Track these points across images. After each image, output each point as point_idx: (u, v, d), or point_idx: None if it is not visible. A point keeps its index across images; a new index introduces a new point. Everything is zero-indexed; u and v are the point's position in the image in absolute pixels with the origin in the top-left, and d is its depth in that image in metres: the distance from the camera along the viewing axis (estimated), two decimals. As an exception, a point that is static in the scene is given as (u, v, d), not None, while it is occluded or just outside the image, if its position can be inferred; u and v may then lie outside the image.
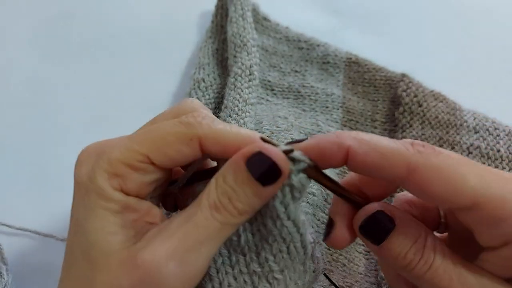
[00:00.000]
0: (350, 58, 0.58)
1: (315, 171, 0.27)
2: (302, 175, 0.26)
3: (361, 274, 0.43)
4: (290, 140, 0.29)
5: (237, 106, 0.46)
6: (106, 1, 0.63)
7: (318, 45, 0.59)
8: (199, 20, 0.64)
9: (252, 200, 0.26)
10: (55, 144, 0.50)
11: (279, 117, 0.49)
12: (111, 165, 0.26)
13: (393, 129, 0.53)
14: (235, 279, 0.28)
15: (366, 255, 0.45)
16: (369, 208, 0.28)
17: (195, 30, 0.62)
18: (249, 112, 0.45)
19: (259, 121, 0.47)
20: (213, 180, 0.26)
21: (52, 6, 0.61)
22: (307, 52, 0.58)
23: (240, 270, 0.28)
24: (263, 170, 0.25)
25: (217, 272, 0.28)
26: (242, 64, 0.50)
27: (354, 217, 0.28)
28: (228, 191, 0.25)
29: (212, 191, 0.26)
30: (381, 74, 0.56)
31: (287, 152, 0.26)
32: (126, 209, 0.26)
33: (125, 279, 0.24)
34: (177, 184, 0.29)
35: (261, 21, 0.60)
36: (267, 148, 0.25)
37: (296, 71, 0.57)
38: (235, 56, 0.52)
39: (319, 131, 0.50)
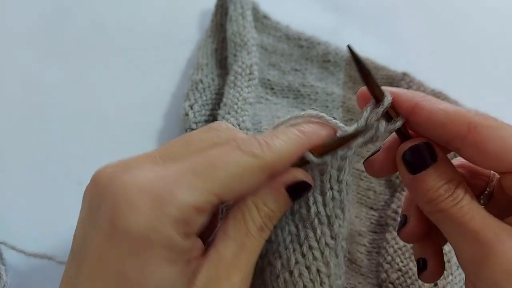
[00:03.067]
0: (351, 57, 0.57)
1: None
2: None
3: (363, 275, 0.42)
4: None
5: (236, 104, 0.46)
6: (105, 0, 0.63)
7: (318, 44, 0.58)
8: (199, 19, 0.63)
9: (282, 215, 0.28)
10: (52, 144, 0.50)
11: (278, 117, 0.49)
12: (180, 212, 0.24)
13: (393, 128, 0.53)
14: (303, 255, 0.28)
15: (367, 255, 0.45)
16: (416, 140, 0.29)
17: (195, 29, 0.62)
18: (247, 111, 0.45)
19: (257, 121, 0.47)
20: (251, 205, 0.27)
21: (50, 5, 0.61)
22: (308, 51, 0.58)
23: (310, 246, 0.28)
24: (301, 193, 0.28)
25: (286, 249, 0.28)
26: (243, 63, 0.50)
27: (400, 146, 0.30)
28: (270, 214, 0.27)
29: (256, 216, 0.27)
30: (382, 73, 0.56)
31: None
32: (186, 256, 0.25)
33: None
34: None
35: (261, 19, 0.60)
36: (308, 177, 0.28)
37: (296, 70, 0.57)
38: (235, 55, 0.51)
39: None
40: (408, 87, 0.53)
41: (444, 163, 0.29)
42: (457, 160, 0.32)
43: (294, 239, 0.28)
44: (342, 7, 0.67)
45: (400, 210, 0.44)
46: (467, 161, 0.30)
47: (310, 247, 0.28)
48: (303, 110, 0.53)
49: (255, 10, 0.59)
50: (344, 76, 0.57)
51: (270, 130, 0.30)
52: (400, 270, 0.41)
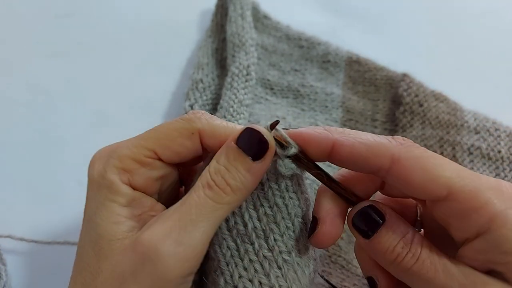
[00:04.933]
0: (351, 57, 0.57)
1: (302, 157, 0.29)
2: (287, 161, 0.29)
3: (358, 276, 0.43)
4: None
5: (232, 107, 0.46)
6: (105, 0, 0.63)
7: (318, 44, 0.58)
8: (199, 19, 0.63)
9: (245, 176, 0.27)
10: (54, 144, 0.50)
11: (277, 117, 0.49)
12: (121, 161, 0.29)
13: (393, 128, 0.53)
14: (245, 269, 0.28)
15: (365, 256, 0.45)
16: (361, 204, 0.29)
17: (195, 29, 0.62)
18: (243, 114, 0.45)
19: (257, 121, 0.47)
20: (203, 167, 0.29)
21: (52, 6, 0.61)
22: (308, 51, 0.58)
23: (250, 259, 0.29)
24: (252, 144, 0.27)
25: (227, 265, 0.29)
26: (240, 64, 0.50)
27: (348, 213, 0.30)
28: (221, 169, 0.27)
29: (205, 172, 0.28)
30: (382, 73, 0.56)
31: (272, 127, 0.28)
32: (132, 202, 0.29)
33: (126, 264, 0.26)
34: None
35: (261, 20, 0.60)
36: (254, 125, 0.28)
37: (296, 70, 0.57)
38: (233, 56, 0.52)
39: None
40: (408, 88, 0.53)
41: (393, 219, 0.28)
42: (382, 195, 0.32)
43: (234, 253, 0.29)
44: (343, 7, 0.67)
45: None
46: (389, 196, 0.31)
47: (251, 261, 0.28)
48: (303, 110, 0.53)
49: (256, 10, 0.59)
50: (344, 77, 0.57)
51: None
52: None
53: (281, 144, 0.28)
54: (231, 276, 0.28)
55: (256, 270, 0.28)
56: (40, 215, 0.45)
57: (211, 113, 0.50)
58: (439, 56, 0.63)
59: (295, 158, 0.29)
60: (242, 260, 0.29)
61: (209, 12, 0.60)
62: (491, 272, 0.26)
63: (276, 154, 0.28)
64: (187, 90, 0.51)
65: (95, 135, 0.51)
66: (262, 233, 0.29)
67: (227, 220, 0.29)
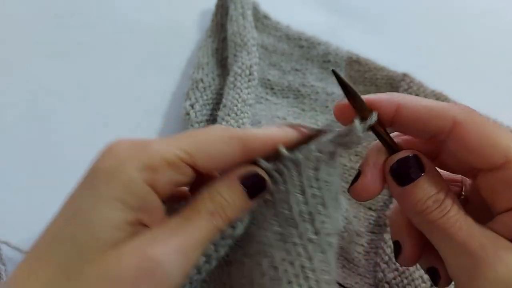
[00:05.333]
0: (351, 57, 0.57)
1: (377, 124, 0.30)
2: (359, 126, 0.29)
3: (360, 275, 0.43)
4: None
5: (236, 106, 0.46)
6: (105, 0, 0.63)
7: (319, 44, 0.58)
8: (199, 19, 0.63)
9: (239, 211, 0.29)
10: (53, 144, 0.50)
11: (278, 117, 0.49)
12: (150, 157, 0.26)
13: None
14: (288, 253, 0.28)
15: (365, 255, 0.45)
16: (403, 152, 0.30)
17: (195, 29, 0.62)
18: (247, 113, 0.45)
19: (257, 121, 0.47)
20: (205, 193, 0.28)
21: (52, 6, 0.61)
22: (308, 51, 0.58)
23: (293, 243, 0.29)
24: (255, 188, 0.29)
25: (271, 248, 0.29)
26: (242, 63, 0.50)
27: (388, 159, 0.30)
28: (223, 203, 0.28)
29: (208, 202, 0.28)
30: (382, 73, 0.56)
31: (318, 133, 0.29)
32: (143, 208, 0.26)
33: (125, 273, 0.24)
34: None
35: (261, 19, 0.60)
36: (262, 172, 0.29)
37: (296, 70, 0.57)
38: (235, 55, 0.52)
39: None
40: (408, 88, 0.53)
41: (432, 174, 0.29)
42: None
43: (278, 237, 0.29)
44: (343, 7, 0.67)
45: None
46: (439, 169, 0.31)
47: (294, 244, 0.28)
48: (303, 110, 0.53)
49: (256, 10, 0.59)
50: (344, 77, 0.57)
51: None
52: (397, 270, 0.41)
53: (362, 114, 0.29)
54: (273, 258, 0.28)
55: (299, 254, 0.28)
56: (39, 215, 0.45)
57: (211, 113, 0.50)
58: (439, 56, 0.63)
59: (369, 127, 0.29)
60: (285, 243, 0.29)
61: (209, 12, 0.60)
62: None
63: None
64: (187, 90, 0.51)
65: (95, 135, 0.51)
66: (308, 216, 0.29)
67: (274, 206, 0.30)
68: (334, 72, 0.30)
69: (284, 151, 0.29)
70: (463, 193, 0.33)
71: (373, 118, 0.29)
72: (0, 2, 0.60)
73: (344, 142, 0.29)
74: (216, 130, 0.29)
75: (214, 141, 0.28)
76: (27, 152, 0.49)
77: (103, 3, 0.62)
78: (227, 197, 0.28)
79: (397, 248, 0.32)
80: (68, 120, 0.52)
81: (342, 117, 0.30)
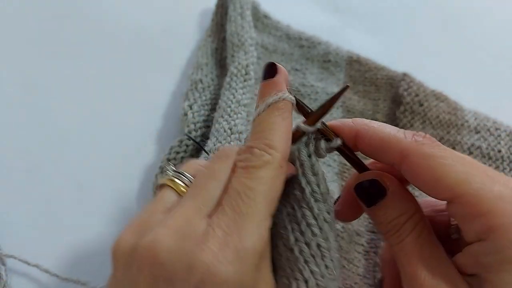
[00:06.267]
0: (351, 57, 0.57)
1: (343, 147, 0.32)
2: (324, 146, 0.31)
3: (360, 275, 0.42)
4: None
5: (230, 107, 0.46)
6: (105, 0, 0.63)
7: (319, 44, 0.58)
8: (199, 19, 0.63)
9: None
10: (52, 145, 0.50)
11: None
12: (258, 252, 0.26)
13: (394, 128, 0.53)
14: (302, 233, 0.29)
15: (365, 255, 0.45)
16: (368, 174, 0.31)
17: (195, 29, 0.62)
18: (241, 114, 0.45)
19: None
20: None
21: (50, 5, 0.61)
22: (308, 51, 0.58)
23: (308, 223, 0.29)
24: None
25: (285, 229, 0.29)
26: (239, 63, 0.50)
27: (351, 181, 0.31)
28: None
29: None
30: (382, 73, 0.56)
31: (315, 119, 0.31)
32: None
33: None
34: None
35: (261, 19, 0.60)
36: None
37: (296, 70, 0.57)
38: (232, 56, 0.52)
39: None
40: (408, 88, 0.53)
41: (396, 197, 0.29)
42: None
43: (292, 219, 0.29)
44: (343, 7, 0.67)
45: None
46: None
47: (308, 225, 0.28)
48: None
49: (256, 10, 0.59)
50: (344, 76, 0.57)
51: (255, 127, 0.30)
52: (397, 270, 0.41)
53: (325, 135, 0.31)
54: (288, 240, 0.29)
55: (314, 234, 0.28)
56: (39, 215, 0.45)
57: (209, 114, 0.50)
58: (439, 56, 0.63)
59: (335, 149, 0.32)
60: (299, 224, 0.29)
61: (209, 12, 0.60)
62: (473, 277, 0.27)
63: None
64: (186, 90, 0.51)
65: (95, 135, 0.51)
66: (320, 197, 0.29)
67: (287, 190, 0.30)
68: (296, 99, 0.32)
69: (308, 128, 0.30)
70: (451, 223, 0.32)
71: (337, 142, 0.31)
72: (0, 2, 0.60)
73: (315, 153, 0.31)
74: (263, 179, 0.27)
75: (274, 189, 0.27)
76: (26, 153, 0.49)
77: (103, 3, 0.62)
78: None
79: (380, 283, 0.33)
80: (67, 121, 0.52)
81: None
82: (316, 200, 0.29)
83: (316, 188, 0.29)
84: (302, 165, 0.30)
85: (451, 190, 0.26)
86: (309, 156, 0.30)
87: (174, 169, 0.30)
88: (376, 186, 0.29)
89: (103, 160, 0.49)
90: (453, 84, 0.54)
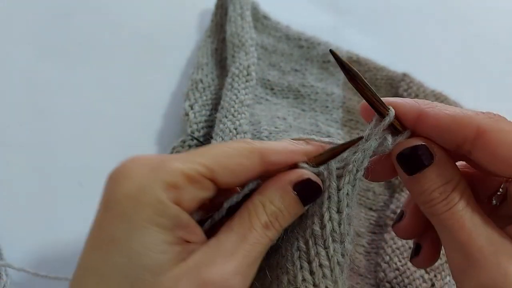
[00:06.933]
0: (351, 57, 0.57)
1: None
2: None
3: (361, 275, 0.42)
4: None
5: (233, 107, 0.46)
6: (105, 0, 0.63)
7: (318, 44, 0.58)
8: (199, 19, 0.63)
9: (293, 218, 0.28)
10: (52, 144, 0.50)
11: (278, 117, 0.49)
12: (172, 175, 0.25)
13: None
14: (312, 273, 0.27)
15: (366, 256, 0.45)
16: (413, 140, 0.29)
17: (195, 29, 0.62)
18: (244, 114, 0.45)
19: (257, 121, 0.47)
20: (257, 203, 0.27)
21: (51, 5, 0.61)
22: (308, 51, 0.58)
23: (320, 264, 0.27)
24: (309, 193, 0.28)
25: (293, 265, 0.28)
26: (240, 64, 0.50)
27: (396, 145, 0.29)
28: (276, 212, 0.27)
29: (261, 213, 0.27)
30: (382, 73, 0.56)
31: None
32: (177, 225, 0.25)
33: None
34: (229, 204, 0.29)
35: (261, 20, 0.60)
36: (313, 176, 0.28)
37: (296, 70, 0.57)
38: (233, 56, 0.52)
39: (318, 132, 0.50)
40: (408, 88, 0.53)
41: (442, 164, 0.28)
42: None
43: (302, 255, 0.28)
44: (342, 7, 0.67)
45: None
46: None
47: (321, 265, 0.27)
48: (303, 110, 0.53)
49: (255, 10, 0.59)
50: (344, 77, 0.57)
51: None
52: (398, 269, 0.41)
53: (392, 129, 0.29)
54: (295, 277, 0.27)
55: (324, 275, 0.27)
56: (38, 215, 0.45)
57: (210, 114, 0.50)
58: (439, 56, 0.63)
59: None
60: (310, 263, 0.27)
61: (209, 12, 0.60)
62: None
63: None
64: (187, 90, 0.51)
65: (95, 135, 0.51)
66: (339, 237, 0.28)
67: (301, 219, 0.29)
68: (346, 66, 0.28)
69: (307, 167, 0.28)
70: (500, 189, 0.31)
71: (391, 115, 0.28)
72: (1, 2, 0.60)
73: (376, 150, 0.29)
74: (235, 144, 0.28)
75: (233, 155, 0.27)
76: (26, 152, 0.49)
77: (103, 3, 0.62)
78: (280, 206, 0.27)
79: (399, 216, 0.32)
80: (67, 120, 0.52)
81: (367, 116, 0.30)
82: (333, 240, 0.28)
83: (336, 227, 0.28)
84: (329, 198, 0.28)
85: None
86: (339, 190, 0.28)
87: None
88: (425, 152, 0.28)
89: (103, 160, 0.49)
90: (453, 84, 0.54)
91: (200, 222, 0.28)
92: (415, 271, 0.40)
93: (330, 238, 0.28)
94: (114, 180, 0.26)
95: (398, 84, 0.54)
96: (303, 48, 0.58)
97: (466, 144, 0.27)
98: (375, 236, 0.45)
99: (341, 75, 0.57)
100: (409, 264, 0.41)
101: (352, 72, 0.28)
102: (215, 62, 0.55)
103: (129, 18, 0.62)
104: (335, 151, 0.29)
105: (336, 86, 0.56)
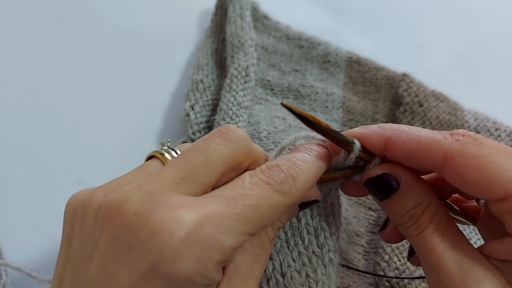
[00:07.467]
0: (351, 57, 0.57)
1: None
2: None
3: (360, 274, 0.42)
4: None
5: (231, 109, 0.46)
6: (105, 0, 0.63)
7: (318, 44, 0.58)
8: (199, 19, 0.63)
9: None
10: (52, 144, 0.50)
11: (277, 117, 0.48)
12: (224, 255, 0.24)
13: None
14: (294, 260, 0.30)
15: (365, 255, 0.45)
16: (377, 169, 0.29)
17: (195, 29, 0.62)
18: (242, 116, 0.45)
19: (256, 121, 0.47)
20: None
21: (51, 5, 0.61)
22: (308, 51, 0.58)
23: (299, 252, 0.30)
24: (309, 207, 0.30)
25: (278, 254, 0.30)
26: (239, 65, 0.50)
27: (363, 175, 0.30)
28: (281, 226, 0.29)
29: (269, 230, 0.28)
30: (382, 73, 0.56)
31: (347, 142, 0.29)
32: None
33: None
34: None
35: (261, 20, 0.60)
36: (319, 195, 0.30)
37: (296, 70, 0.57)
38: (232, 57, 0.52)
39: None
40: (408, 88, 0.53)
41: (409, 189, 0.28)
42: None
43: (284, 244, 0.30)
44: (343, 7, 0.67)
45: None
46: None
47: (299, 253, 0.29)
48: (303, 110, 0.53)
49: (255, 11, 0.59)
50: (344, 77, 0.57)
51: (287, 156, 0.28)
52: (397, 269, 0.41)
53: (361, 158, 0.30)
54: (280, 264, 0.29)
55: (304, 263, 0.29)
56: (38, 215, 0.45)
57: (210, 114, 0.50)
58: (439, 56, 0.63)
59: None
60: (291, 251, 0.30)
61: (209, 12, 0.60)
62: (506, 263, 0.26)
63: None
64: (187, 91, 0.51)
65: (96, 135, 0.51)
66: (313, 230, 0.30)
67: None
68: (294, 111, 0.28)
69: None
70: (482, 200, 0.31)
71: (356, 149, 0.29)
72: (1, 2, 0.60)
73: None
74: (270, 197, 0.26)
75: (271, 213, 0.26)
76: (26, 152, 0.49)
77: (103, 3, 0.62)
78: (285, 221, 0.29)
79: (384, 222, 0.33)
80: (67, 120, 0.52)
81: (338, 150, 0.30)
82: (308, 232, 0.30)
83: (310, 221, 0.30)
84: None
85: (504, 189, 0.24)
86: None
87: (168, 146, 0.30)
88: (388, 180, 0.29)
89: (103, 160, 0.49)
90: (453, 84, 0.54)
91: None
92: (414, 271, 0.40)
93: (305, 230, 0.30)
94: (160, 254, 0.22)
95: (398, 84, 0.54)
96: (303, 48, 0.58)
97: (435, 168, 0.27)
98: (374, 236, 0.46)
99: (341, 75, 0.57)
100: (409, 263, 0.41)
101: (308, 119, 0.28)
102: (215, 63, 0.55)
103: (129, 18, 0.62)
104: (334, 177, 0.30)
105: (336, 86, 0.56)
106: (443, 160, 0.26)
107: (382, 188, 0.29)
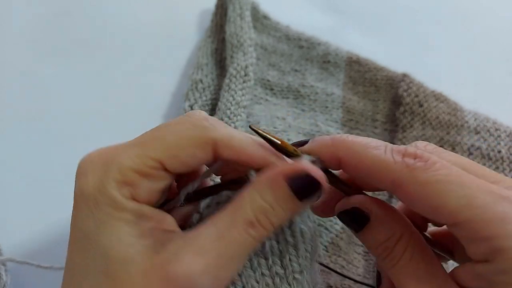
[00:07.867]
0: (351, 58, 0.57)
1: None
2: None
3: (359, 275, 0.42)
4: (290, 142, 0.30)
5: (229, 109, 0.46)
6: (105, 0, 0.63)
7: (318, 44, 0.58)
8: (199, 19, 0.63)
9: (288, 215, 0.27)
10: (52, 144, 0.50)
11: (277, 117, 0.48)
12: (121, 174, 0.25)
13: (393, 129, 0.53)
14: (257, 282, 0.28)
15: (365, 256, 0.45)
16: (347, 202, 0.29)
17: (195, 29, 0.62)
18: (241, 116, 0.45)
19: (256, 121, 0.47)
20: (246, 197, 0.26)
21: (50, 4, 0.61)
22: (307, 51, 0.58)
23: (262, 273, 0.29)
24: (306, 188, 0.26)
25: (240, 276, 0.29)
26: (238, 64, 0.50)
27: (336, 205, 0.30)
28: (265, 207, 0.26)
29: (246, 208, 0.26)
30: (382, 73, 0.56)
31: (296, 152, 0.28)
32: (140, 218, 0.26)
33: None
34: (179, 200, 0.29)
35: (261, 20, 0.60)
36: (314, 170, 0.26)
37: (296, 70, 0.57)
38: (231, 57, 0.52)
39: (318, 132, 0.50)
40: (408, 88, 0.53)
41: (379, 222, 0.28)
42: None
43: (247, 265, 0.29)
44: (342, 7, 0.67)
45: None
46: None
47: (263, 274, 0.29)
48: (303, 110, 0.53)
49: (255, 10, 0.59)
50: (344, 77, 0.57)
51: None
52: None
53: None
54: (243, 287, 0.28)
55: (267, 284, 0.28)
56: (38, 215, 0.45)
57: (210, 114, 0.50)
58: (439, 56, 0.63)
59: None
60: (254, 272, 0.29)
61: (209, 12, 0.60)
62: None
63: None
64: (187, 91, 0.51)
65: (95, 135, 0.51)
66: (278, 252, 0.29)
67: None
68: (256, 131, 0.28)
69: (307, 157, 0.28)
70: None
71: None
72: (0, 2, 0.60)
73: None
74: (188, 132, 0.26)
75: (186, 145, 0.26)
76: (25, 152, 0.49)
77: (103, 2, 0.62)
78: (271, 201, 0.26)
79: (377, 277, 0.32)
80: (67, 120, 0.52)
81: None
82: (272, 253, 0.29)
83: (274, 244, 0.29)
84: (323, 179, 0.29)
85: (452, 217, 0.24)
86: None
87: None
88: (358, 213, 0.28)
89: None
90: (453, 84, 0.54)
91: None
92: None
93: (270, 252, 0.29)
94: (76, 176, 0.27)
95: (398, 84, 0.54)
96: (303, 48, 0.58)
97: (390, 191, 0.28)
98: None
99: (341, 75, 0.57)
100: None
101: (275, 142, 0.28)
102: (215, 62, 0.55)
103: (129, 18, 0.62)
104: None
105: (336, 86, 0.56)
106: (392, 186, 0.26)
107: (353, 222, 0.29)
